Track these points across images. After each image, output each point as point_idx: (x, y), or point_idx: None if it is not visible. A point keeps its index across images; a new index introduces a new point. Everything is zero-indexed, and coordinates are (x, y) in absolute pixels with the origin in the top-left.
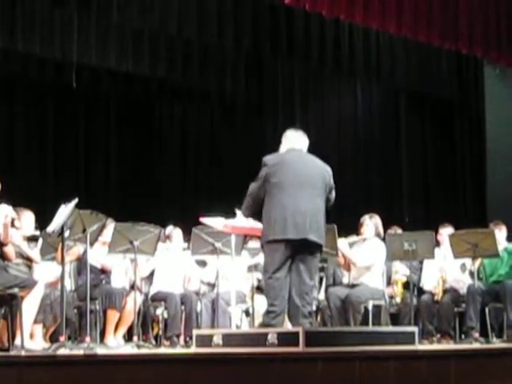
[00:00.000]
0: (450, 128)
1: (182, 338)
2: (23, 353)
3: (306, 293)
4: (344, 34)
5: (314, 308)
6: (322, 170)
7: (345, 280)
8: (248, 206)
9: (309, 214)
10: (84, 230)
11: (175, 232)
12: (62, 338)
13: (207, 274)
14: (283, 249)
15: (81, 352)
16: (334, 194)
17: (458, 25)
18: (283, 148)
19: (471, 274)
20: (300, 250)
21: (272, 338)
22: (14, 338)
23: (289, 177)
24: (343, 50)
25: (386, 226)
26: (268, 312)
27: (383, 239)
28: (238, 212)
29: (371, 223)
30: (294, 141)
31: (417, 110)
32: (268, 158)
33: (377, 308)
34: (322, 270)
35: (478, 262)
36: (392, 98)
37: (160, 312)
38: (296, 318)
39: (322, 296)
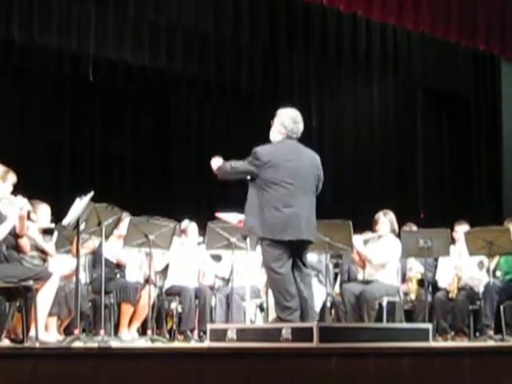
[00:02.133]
0: (466, 125)
1: (195, 333)
2: (38, 345)
3: (310, 282)
4: (361, 30)
5: (329, 304)
6: (314, 164)
7: (359, 276)
8: (227, 174)
9: (303, 215)
10: (99, 224)
11: (190, 226)
12: (76, 331)
13: (222, 268)
14: (281, 247)
15: (95, 345)
16: (321, 184)
17: (475, 22)
18: (277, 133)
19: (488, 271)
20: (295, 247)
21: (286, 333)
22: (28, 330)
23: (284, 175)
24: (360, 45)
25: (400, 223)
26: (285, 308)
27: (398, 235)
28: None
29: (386, 220)
30: (291, 129)
31: (433, 107)
32: (261, 153)
33: (391, 305)
34: (336, 266)
35: (495, 259)
36: (408, 94)
37: (174, 306)
38: (306, 311)
39: (336, 292)
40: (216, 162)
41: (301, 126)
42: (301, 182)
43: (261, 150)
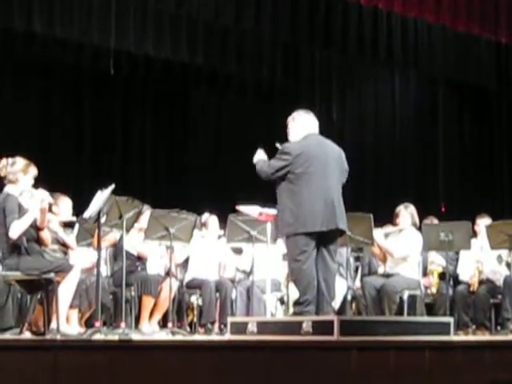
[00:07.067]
0: (487, 117)
1: (216, 326)
2: (59, 337)
3: (332, 278)
4: (382, 23)
5: (349, 297)
6: (339, 155)
7: (380, 270)
8: (265, 173)
9: (336, 203)
10: (120, 216)
11: (211, 219)
12: (97, 324)
13: (242, 261)
14: (312, 239)
15: (116, 337)
16: (346, 175)
17: (497, 14)
18: (298, 132)
19: (508, 265)
20: (325, 238)
21: (307, 326)
22: (49, 322)
23: (314, 167)
24: (381, 38)
25: (421, 216)
26: (301, 302)
27: (419, 229)
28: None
29: (407, 213)
30: (310, 125)
31: (454, 99)
32: (290, 148)
33: (412, 298)
34: (357, 259)
35: None
36: (430, 86)
37: (195, 299)
38: (321, 304)
39: (357, 285)
40: (258, 155)
41: (317, 124)
42: (330, 174)
43: (289, 145)
